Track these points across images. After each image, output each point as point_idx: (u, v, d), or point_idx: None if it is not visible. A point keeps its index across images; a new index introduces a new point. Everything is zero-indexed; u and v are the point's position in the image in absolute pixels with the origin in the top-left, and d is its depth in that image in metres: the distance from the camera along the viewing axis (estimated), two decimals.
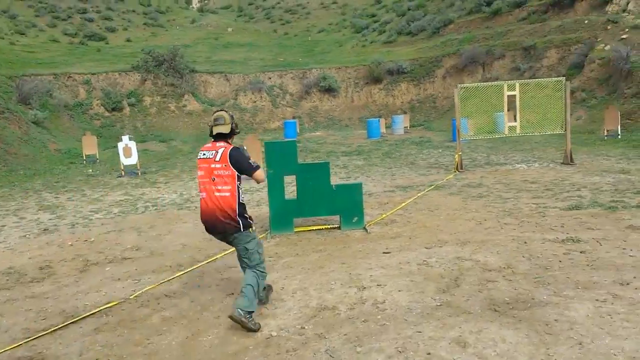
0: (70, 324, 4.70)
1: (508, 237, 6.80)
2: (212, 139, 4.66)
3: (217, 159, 4.48)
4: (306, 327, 4.38)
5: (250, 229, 4.59)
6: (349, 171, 14.14)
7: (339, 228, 7.73)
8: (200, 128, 29.17)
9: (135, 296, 5.33)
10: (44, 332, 4.54)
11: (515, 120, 13.20)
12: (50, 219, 9.58)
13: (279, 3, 71.83)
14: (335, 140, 23.75)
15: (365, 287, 5.23)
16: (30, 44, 43.12)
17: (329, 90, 32.89)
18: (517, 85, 12.99)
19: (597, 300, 4.61)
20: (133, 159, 15.20)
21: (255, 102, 32.01)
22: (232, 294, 5.26)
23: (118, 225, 8.80)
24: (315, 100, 32.95)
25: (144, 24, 61.72)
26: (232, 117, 4.71)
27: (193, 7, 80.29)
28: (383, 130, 25.64)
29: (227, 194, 4.46)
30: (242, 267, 4.76)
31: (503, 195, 9.61)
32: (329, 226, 7.86)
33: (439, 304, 4.73)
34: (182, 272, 6.04)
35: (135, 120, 29.14)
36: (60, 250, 7.32)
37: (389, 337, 4.10)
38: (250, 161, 4.57)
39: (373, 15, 57.46)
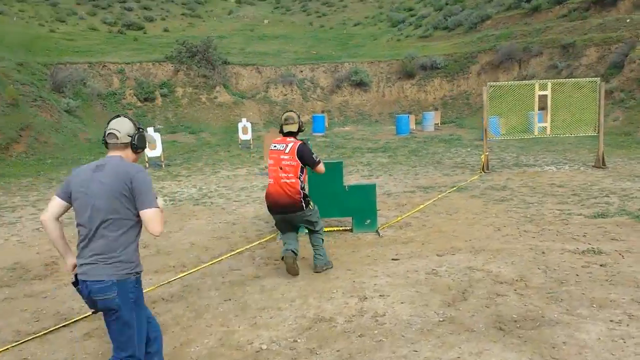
0: (61, 327, 4.63)
1: (526, 246, 6.48)
2: (282, 135, 5.55)
3: (287, 151, 5.35)
4: (299, 341, 4.20)
5: (310, 205, 5.53)
6: (372, 169, 13.89)
7: (351, 230, 7.52)
8: (230, 120, 29.22)
9: None
10: (34, 336, 4.47)
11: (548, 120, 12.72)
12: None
13: None
14: (363, 136, 23.46)
15: (367, 297, 5.02)
16: (70, 32, 43.90)
17: (360, 85, 32.53)
18: (550, 84, 12.50)
19: (611, 321, 4.30)
20: (157, 151, 15.25)
21: (285, 95, 31.89)
22: (230, 299, 5.12)
23: None
24: (346, 95, 32.65)
25: (182, 14, 62.27)
26: (299, 116, 5.62)
27: None
28: (413, 126, 25.24)
29: (293, 180, 5.33)
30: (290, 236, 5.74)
31: (527, 200, 9.24)
32: (341, 228, 7.66)
33: (441, 319, 4.49)
34: (184, 274, 5.94)
35: (167, 110, 29.35)
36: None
37: (383, 356, 3.89)
38: (313, 156, 5.45)
39: (410, 9, 56.67)
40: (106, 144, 3.19)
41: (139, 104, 29.11)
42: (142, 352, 3.12)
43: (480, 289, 5.14)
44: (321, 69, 33.79)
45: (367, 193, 7.45)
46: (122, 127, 3.16)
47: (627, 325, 4.21)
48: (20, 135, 17.59)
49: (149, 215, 2.98)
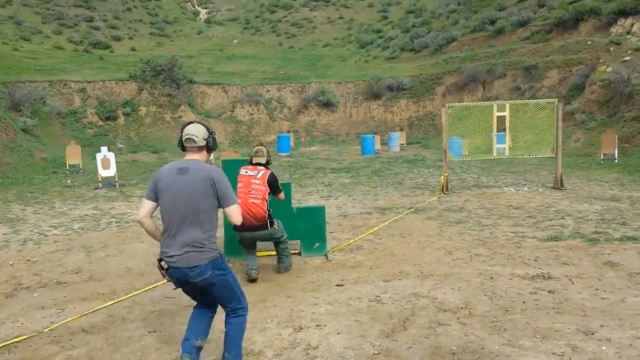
0: None
1: (475, 270, 6.27)
2: (251, 165, 6.32)
3: (258, 176, 6.13)
4: None
5: (275, 225, 6.25)
6: (332, 189, 13.64)
7: (299, 254, 7.22)
8: None
9: (50, 329, 4.83)
10: None
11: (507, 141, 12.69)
12: (5, 234, 9.11)
13: (285, 17, 71.82)
14: (329, 156, 23.28)
15: (302, 328, 4.71)
16: (34, 50, 43.09)
17: (328, 105, 32.47)
18: (508, 105, 12.50)
19: (553, 353, 4.07)
20: (111, 171, 14.76)
21: (252, 114, 31.60)
22: (155, 331, 4.75)
23: (70, 243, 8.31)
24: (313, 115, 32.53)
25: (150, 33, 61.89)
26: (268, 151, 6.43)
27: (201, 19, 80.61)
28: (378, 147, 25.18)
29: (259, 201, 6.05)
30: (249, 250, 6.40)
31: (482, 222, 9.08)
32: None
33: (377, 351, 4.21)
34: (112, 302, 5.54)
35: (129, 129, 28.78)
36: None
37: None
38: (279, 186, 6.37)
39: (379, 31, 57.34)
40: (183, 147, 3.76)
41: (100, 122, 28.49)
42: (245, 300, 3.95)
43: (422, 317, 4.88)
44: (288, 89, 33.67)
45: (315, 215, 7.17)
46: (198, 132, 3.72)
47: (570, 358, 3.99)
48: None
49: (231, 210, 3.67)
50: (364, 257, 7.11)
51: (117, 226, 9.64)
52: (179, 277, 3.65)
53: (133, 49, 50.99)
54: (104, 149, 14.93)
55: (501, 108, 12.50)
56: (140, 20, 64.82)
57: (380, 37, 52.64)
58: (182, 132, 3.76)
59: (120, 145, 27.37)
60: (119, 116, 29.26)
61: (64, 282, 6.29)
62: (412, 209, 10.56)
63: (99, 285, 6.15)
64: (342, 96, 33.36)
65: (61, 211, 11.30)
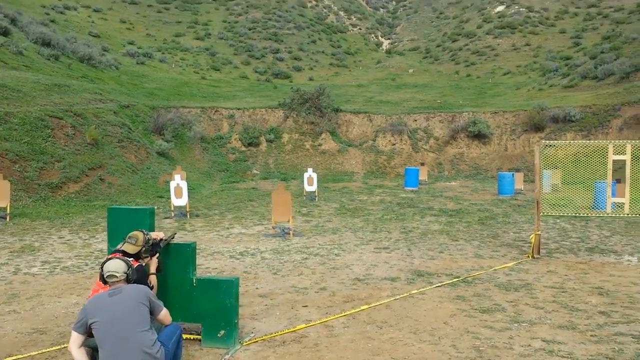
0: None
1: None
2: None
3: None
4: None
5: None
6: (400, 240, 11.30)
7: (200, 341, 5.39)
8: (330, 168, 27.88)
9: None
10: None
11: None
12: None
13: (467, 45, 68.53)
14: (457, 195, 20.41)
15: None
16: (219, 79, 46.56)
17: (479, 136, 29.19)
18: (629, 146, 9.13)
19: None
20: (183, 200, 14.18)
21: (394, 144, 29.68)
22: None
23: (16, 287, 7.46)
24: (462, 146, 29.49)
25: (330, 64, 63.49)
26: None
27: (382, 49, 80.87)
28: (521, 186, 21.55)
29: None
30: None
31: (524, 314, 6.24)
32: (192, 336, 5.54)
33: None
34: None
35: (269, 156, 28.87)
36: None
37: None
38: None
39: (567, 58, 51.49)
40: (105, 281, 4.11)
41: (242, 148, 29.03)
42: None
43: None
44: (437, 119, 31.10)
45: (223, 291, 5.28)
46: (118, 268, 4.07)
47: None
48: (85, 175, 17.78)
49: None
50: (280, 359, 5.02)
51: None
52: None
53: (311, 79, 52.44)
54: (177, 177, 14.44)
55: (619, 149, 9.18)
56: (323, 52, 66.80)
57: (566, 65, 47.06)
58: (102, 268, 4.08)
59: (255, 172, 27.54)
60: (262, 142, 29.59)
61: None
62: (458, 279, 7.95)
63: None
64: (497, 127, 29.81)
65: (82, 243, 10.78)
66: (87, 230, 12.14)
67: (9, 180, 13.71)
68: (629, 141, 9.33)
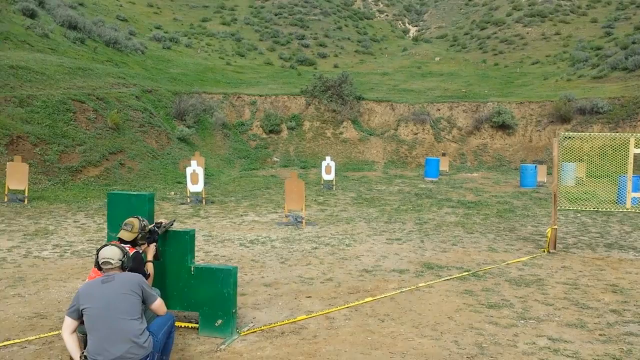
0: None
1: None
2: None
3: None
4: None
5: None
6: (414, 231, 11.15)
7: (197, 330, 5.35)
8: (351, 157, 27.70)
9: None
10: None
11: None
12: (12, 247, 8.79)
13: (495, 33, 67.16)
14: (478, 186, 20.09)
15: None
16: (244, 65, 46.45)
17: (503, 127, 28.66)
18: None
19: None
20: (199, 186, 14.20)
21: (416, 134, 29.31)
22: None
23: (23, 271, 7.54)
24: (485, 137, 29.00)
25: (355, 51, 62.92)
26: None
27: (409, 36, 79.82)
28: (543, 178, 21.11)
29: None
30: None
31: (532, 310, 6.07)
32: (190, 324, 5.50)
33: None
34: None
35: (290, 144, 28.78)
36: None
37: None
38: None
39: (598, 48, 50.11)
40: (100, 268, 4.11)
41: (264, 135, 28.98)
42: None
43: None
44: (461, 108, 30.61)
45: (220, 280, 5.22)
46: (114, 254, 4.04)
47: None
48: (105, 159, 17.93)
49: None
50: (276, 351, 4.96)
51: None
52: None
53: (336, 66, 51.94)
54: (193, 163, 14.45)
55: None
56: (348, 39, 66.13)
57: (596, 55, 45.81)
58: (97, 254, 4.08)
59: (275, 159, 27.49)
60: (283, 130, 29.51)
61: None
62: (468, 272, 7.79)
63: None
64: (523, 118, 29.22)
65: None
66: (102, 215, 12.22)
67: (28, 163, 13.87)
68: None
